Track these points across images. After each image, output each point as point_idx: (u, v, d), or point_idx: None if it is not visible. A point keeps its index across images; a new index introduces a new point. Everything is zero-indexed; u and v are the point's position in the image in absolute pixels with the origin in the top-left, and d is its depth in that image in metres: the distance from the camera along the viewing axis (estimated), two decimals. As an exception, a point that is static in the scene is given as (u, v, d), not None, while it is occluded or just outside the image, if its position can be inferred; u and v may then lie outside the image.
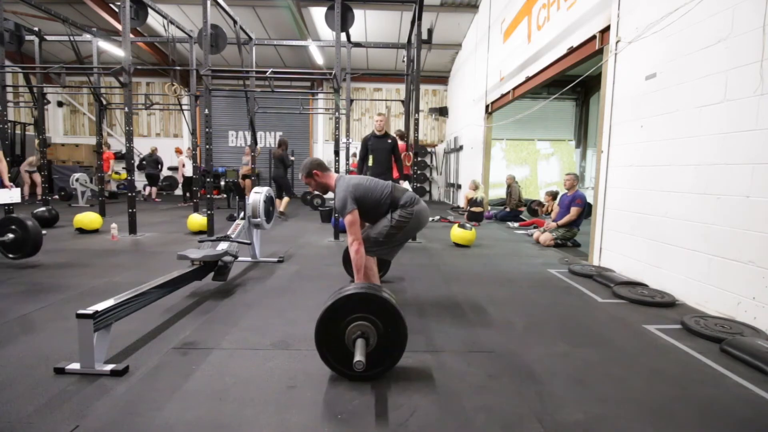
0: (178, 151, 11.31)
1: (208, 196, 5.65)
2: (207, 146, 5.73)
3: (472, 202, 7.99)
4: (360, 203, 2.62)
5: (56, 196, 11.10)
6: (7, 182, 4.94)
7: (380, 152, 5.70)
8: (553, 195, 7.46)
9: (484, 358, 2.26)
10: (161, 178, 12.13)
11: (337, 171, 6.51)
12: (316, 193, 5.79)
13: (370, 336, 1.93)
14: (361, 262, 2.56)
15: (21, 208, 7.19)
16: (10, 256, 3.96)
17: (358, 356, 1.78)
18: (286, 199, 8.10)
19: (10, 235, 3.92)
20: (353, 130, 11.95)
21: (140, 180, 13.46)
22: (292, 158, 8.44)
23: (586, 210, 5.76)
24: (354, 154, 7.92)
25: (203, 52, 5.43)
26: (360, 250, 2.55)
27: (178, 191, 12.66)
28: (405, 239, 2.84)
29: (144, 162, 11.56)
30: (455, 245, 5.66)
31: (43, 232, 4.20)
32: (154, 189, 11.53)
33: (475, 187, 8.15)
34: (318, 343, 1.97)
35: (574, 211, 5.73)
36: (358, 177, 2.83)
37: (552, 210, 6.75)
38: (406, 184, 5.91)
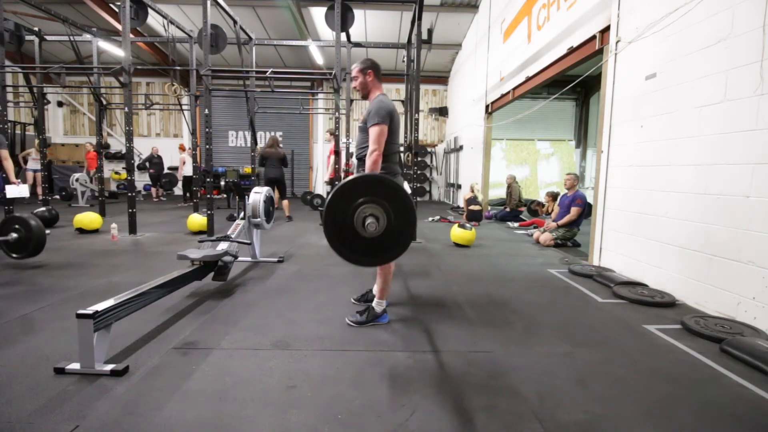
0: (182, 148, 11.31)
1: (208, 196, 5.65)
2: (207, 146, 5.73)
3: (470, 200, 8.00)
4: (389, 124, 2.56)
5: (57, 196, 11.09)
6: (13, 179, 4.96)
7: None
8: (554, 196, 7.47)
9: (484, 358, 2.26)
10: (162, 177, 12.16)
11: (337, 170, 6.56)
12: (317, 193, 5.78)
13: (379, 217, 1.91)
14: (376, 168, 2.50)
15: (21, 208, 7.19)
16: (14, 255, 3.96)
17: (370, 220, 1.78)
18: (286, 201, 7.98)
19: (14, 235, 3.93)
20: (353, 130, 11.94)
21: (141, 180, 13.52)
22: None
23: (586, 210, 5.76)
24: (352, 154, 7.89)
25: (203, 52, 5.43)
26: (379, 161, 2.49)
27: (178, 191, 12.65)
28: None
29: (154, 162, 11.58)
30: (455, 245, 5.66)
31: (47, 231, 4.21)
32: (160, 189, 11.63)
33: (471, 190, 8.24)
34: (327, 230, 1.94)
35: (574, 211, 5.73)
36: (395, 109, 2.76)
37: (552, 210, 6.75)
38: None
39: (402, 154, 5.93)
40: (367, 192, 1.93)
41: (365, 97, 2.81)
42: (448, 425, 1.65)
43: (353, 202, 1.92)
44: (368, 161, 2.49)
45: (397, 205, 1.94)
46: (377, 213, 1.92)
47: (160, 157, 11.67)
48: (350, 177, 1.99)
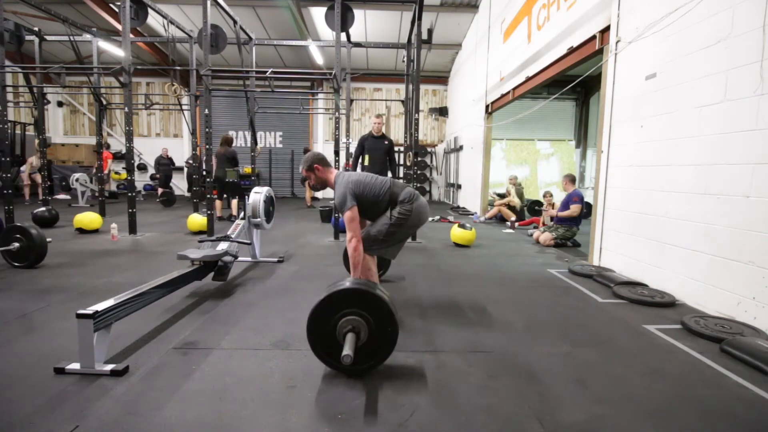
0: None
1: (208, 196, 5.65)
2: (207, 146, 5.73)
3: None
4: (359, 199, 2.60)
5: (67, 196, 11.07)
6: None
7: (377, 152, 5.74)
8: (550, 195, 7.49)
9: (484, 358, 2.26)
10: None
11: (336, 170, 6.54)
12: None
13: (361, 331, 1.94)
14: (358, 259, 2.55)
15: (22, 208, 7.19)
16: (16, 264, 3.97)
17: (347, 350, 1.79)
18: (234, 201, 7.81)
19: (16, 244, 3.94)
20: (353, 130, 11.93)
21: (141, 180, 13.53)
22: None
23: (586, 210, 5.76)
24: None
25: (203, 52, 5.42)
26: (358, 247, 2.53)
27: (178, 191, 12.67)
28: (406, 236, 2.82)
29: (163, 164, 11.56)
30: (455, 245, 5.66)
31: (48, 239, 4.21)
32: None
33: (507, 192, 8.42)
34: (309, 335, 1.98)
35: (573, 207, 5.74)
36: (358, 173, 2.81)
37: (553, 208, 6.78)
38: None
39: (402, 154, 5.93)
40: (351, 305, 1.95)
41: (323, 187, 2.88)
42: (448, 425, 1.65)
43: (335, 314, 1.95)
44: (349, 249, 2.56)
45: (380, 321, 1.96)
46: (358, 326, 1.94)
47: (170, 159, 11.71)
48: (335, 287, 1.99)
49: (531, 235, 6.43)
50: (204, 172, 5.88)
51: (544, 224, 6.39)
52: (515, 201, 8.28)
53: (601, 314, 3.03)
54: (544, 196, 7.41)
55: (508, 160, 12.90)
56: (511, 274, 4.18)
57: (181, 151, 13.75)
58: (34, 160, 9.85)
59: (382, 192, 2.68)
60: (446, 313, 2.98)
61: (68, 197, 11.10)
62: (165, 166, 11.52)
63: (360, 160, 6.10)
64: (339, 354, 1.80)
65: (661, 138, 3.56)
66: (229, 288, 3.48)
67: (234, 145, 13.86)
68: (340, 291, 1.98)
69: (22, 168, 10.34)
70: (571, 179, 6.10)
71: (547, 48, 6.01)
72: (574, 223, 5.82)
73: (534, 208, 9.94)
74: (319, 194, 12.69)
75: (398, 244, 2.81)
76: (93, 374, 1.95)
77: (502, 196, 7.59)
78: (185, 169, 12.97)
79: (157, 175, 11.60)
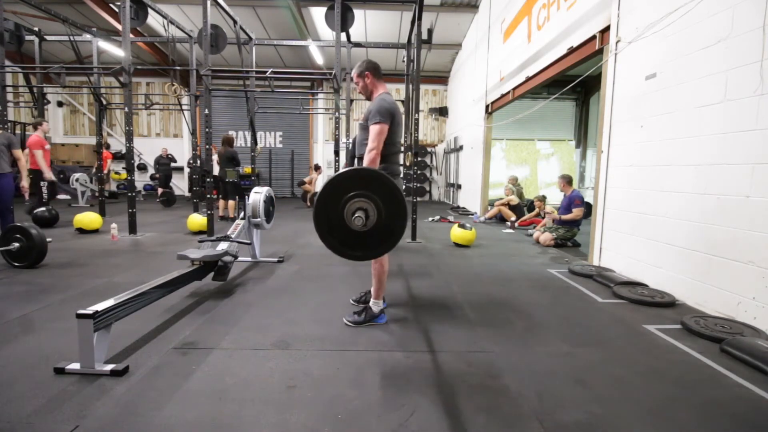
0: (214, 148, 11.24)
1: (208, 196, 5.65)
2: (207, 146, 5.74)
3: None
4: (390, 124, 2.55)
5: (68, 196, 11.07)
6: (25, 182, 4.96)
7: None
8: (542, 199, 7.49)
9: (484, 358, 2.26)
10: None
11: (336, 170, 6.55)
12: (315, 191, 5.80)
13: (369, 211, 1.90)
14: (375, 165, 2.48)
15: (22, 207, 7.19)
16: (16, 264, 3.98)
17: (357, 213, 1.77)
18: (232, 202, 7.81)
19: (16, 244, 3.94)
20: (353, 130, 11.94)
21: (141, 180, 13.53)
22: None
23: (586, 209, 5.76)
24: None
25: (203, 52, 5.43)
26: (376, 160, 2.48)
27: (178, 191, 12.67)
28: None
29: (163, 163, 11.55)
30: (455, 245, 5.66)
31: (48, 239, 4.22)
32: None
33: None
34: (318, 227, 1.94)
35: (576, 211, 5.73)
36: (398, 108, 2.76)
37: (544, 213, 6.77)
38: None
39: (402, 154, 5.93)
40: (358, 186, 1.92)
41: (369, 98, 2.79)
42: (448, 425, 1.65)
43: (344, 195, 1.91)
44: (366, 159, 2.49)
45: (388, 200, 1.92)
46: (367, 207, 1.91)
47: (169, 158, 11.69)
48: (342, 170, 1.98)
49: (531, 235, 6.43)
50: (204, 172, 5.88)
51: (544, 225, 6.37)
52: (515, 200, 8.28)
53: (601, 314, 3.03)
54: (536, 201, 7.40)
55: (508, 160, 12.90)
56: (511, 274, 4.18)
57: (181, 151, 13.74)
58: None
59: (396, 145, 2.67)
60: (446, 313, 2.98)
61: (68, 197, 11.10)
62: (165, 165, 11.51)
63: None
64: (350, 242, 1.76)
65: (661, 138, 3.56)
66: (229, 288, 3.48)
67: (234, 145, 14.09)
68: (344, 174, 1.94)
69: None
70: (568, 180, 6.06)
71: (547, 48, 6.01)
72: (575, 224, 5.81)
73: (536, 205, 9.95)
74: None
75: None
76: (93, 374, 1.95)
77: (520, 195, 7.57)
78: (185, 170, 12.97)
79: (157, 175, 11.58)
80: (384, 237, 1.96)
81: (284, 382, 1.95)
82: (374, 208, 1.91)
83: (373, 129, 2.49)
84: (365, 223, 1.82)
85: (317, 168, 11.20)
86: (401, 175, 2.78)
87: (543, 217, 6.23)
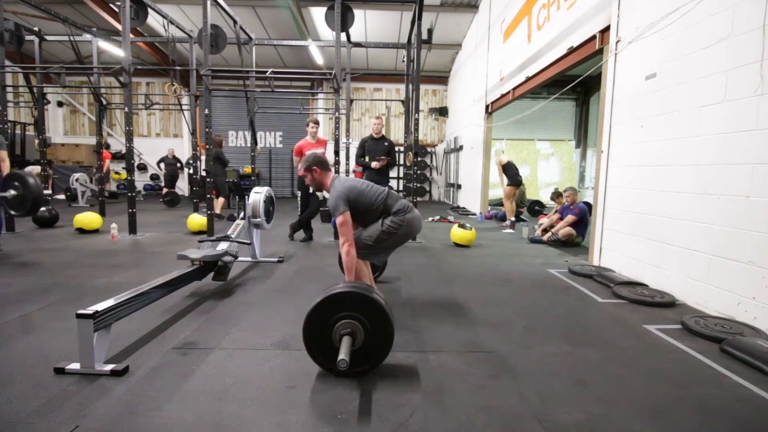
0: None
1: (208, 196, 5.65)
2: (207, 146, 5.74)
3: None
4: (353, 205, 2.63)
5: (62, 196, 11.06)
6: None
7: (377, 154, 5.75)
8: (558, 194, 7.37)
9: (484, 358, 2.26)
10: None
11: (337, 172, 6.56)
12: (318, 194, 5.80)
13: (356, 334, 1.94)
14: (351, 264, 2.57)
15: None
16: (13, 212, 3.96)
17: (342, 354, 1.79)
18: (221, 200, 7.85)
19: (12, 192, 3.91)
20: (353, 130, 11.94)
21: (141, 180, 13.54)
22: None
23: (585, 221, 5.71)
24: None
25: (203, 52, 5.43)
26: (351, 251, 2.56)
27: (181, 192, 12.66)
28: (394, 245, 2.85)
29: (168, 164, 11.56)
30: (455, 245, 5.66)
31: (48, 191, 4.22)
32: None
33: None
34: (306, 340, 1.98)
35: (569, 218, 5.72)
36: (354, 179, 2.86)
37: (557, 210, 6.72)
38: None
39: (402, 154, 5.92)
40: (347, 308, 1.96)
41: (319, 189, 2.92)
42: (448, 425, 1.65)
43: (331, 317, 1.95)
44: (342, 253, 2.58)
45: (376, 324, 1.96)
46: (354, 329, 1.94)
47: (176, 158, 11.71)
48: (332, 290, 2.00)
49: (535, 228, 6.43)
50: (204, 172, 5.88)
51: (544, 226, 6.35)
52: (504, 159, 8.13)
53: (601, 314, 3.03)
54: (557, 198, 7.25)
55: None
56: (511, 274, 4.18)
57: (181, 152, 13.74)
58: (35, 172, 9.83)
59: (376, 201, 2.72)
60: (446, 313, 2.98)
61: (63, 197, 11.08)
62: (171, 166, 11.52)
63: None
64: (335, 357, 1.81)
65: (661, 138, 3.56)
66: (229, 288, 3.48)
67: (234, 145, 14.13)
68: (335, 295, 1.98)
69: (28, 169, 10.33)
70: (574, 191, 6.08)
71: (547, 48, 6.01)
72: (576, 230, 5.75)
73: (534, 208, 9.96)
74: (320, 194, 12.68)
75: (386, 251, 2.87)
76: (93, 374, 1.95)
77: (558, 195, 7.35)
78: (187, 170, 12.98)
79: (158, 175, 11.59)
80: (368, 357, 2.00)
81: (284, 382, 1.95)
82: (362, 330, 1.95)
83: (337, 224, 2.60)
84: (350, 350, 1.84)
85: None
86: (410, 206, 2.80)
87: (561, 216, 6.09)
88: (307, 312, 1.97)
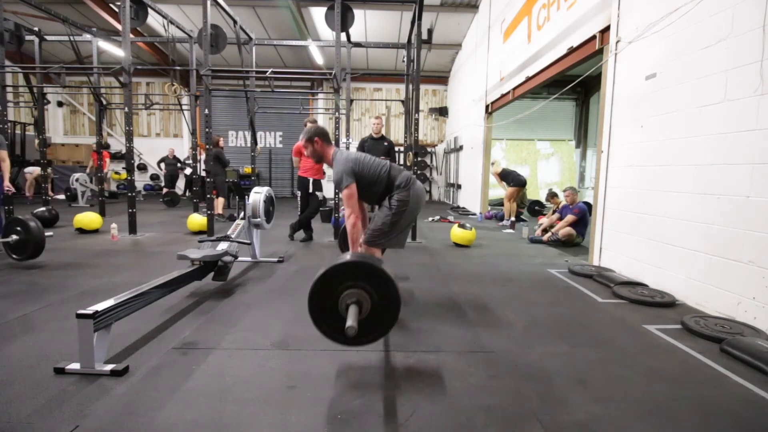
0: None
1: (208, 196, 5.65)
2: (207, 146, 5.74)
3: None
4: (358, 178, 2.61)
5: (62, 196, 11.07)
6: (7, 183, 4.92)
7: (376, 154, 5.74)
8: (554, 194, 7.41)
9: (484, 358, 2.26)
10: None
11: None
12: (318, 193, 5.80)
13: (363, 303, 1.92)
14: (357, 236, 2.56)
15: (22, 208, 7.19)
16: (14, 257, 3.99)
17: (350, 321, 1.77)
18: (221, 200, 7.79)
19: (15, 237, 3.96)
20: (353, 130, 11.94)
21: (140, 180, 13.53)
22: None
23: (585, 219, 5.70)
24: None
25: (203, 52, 5.43)
26: (357, 223, 2.54)
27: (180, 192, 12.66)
28: (409, 222, 2.81)
29: (168, 164, 11.56)
30: (455, 245, 5.66)
31: (49, 233, 4.25)
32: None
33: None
34: (312, 311, 1.95)
35: (568, 218, 5.72)
36: (356, 153, 2.81)
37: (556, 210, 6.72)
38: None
39: (402, 154, 5.92)
40: (352, 277, 1.94)
41: (320, 162, 2.88)
42: (448, 425, 1.65)
43: (338, 286, 1.93)
44: (347, 225, 2.58)
45: (382, 293, 1.94)
46: (361, 298, 1.92)
47: (176, 158, 11.71)
48: (336, 261, 1.98)
49: (534, 228, 6.41)
50: (205, 172, 5.88)
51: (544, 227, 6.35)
52: (498, 167, 8.20)
53: (601, 314, 3.03)
54: (552, 199, 7.27)
55: (508, 160, 12.90)
56: (511, 274, 4.18)
57: (181, 152, 13.75)
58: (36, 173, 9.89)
59: (380, 174, 2.69)
60: (446, 313, 2.98)
61: (63, 197, 11.09)
62: (171, 166, 11.53)
63: None
64: (342, 328, 1.79)
65: (661, 138, 3.56)
66: (229, 288, 3.48)
67: (234, 145, 14.13)
68: (340, 265, 1.95)
69: (28, 169, 10.36)
70: (574, 191, 6.08)
71: (547, 48, 6.01)
72: (575, 230, 5.76)
73: (534, 208, 9.96)
74: (319, 194, 12.69)
75: (404, 231, 2.80)
76: (93, 374, 1.95)
77: (553, 195, 7.32)
78: (187, 170, 13.00)
79: (158, 175, 11.60)
80: (375, 326, 1.97)
81: (284, 382, 1.95)
82: (368, 299, 1.93)
83: (343, 197, 2.60)
84: (358, 318, 1.82)
85: None
86: (414, 178, 2.78)
87: (561, 216, 6.07)
88: (313, 282, 1.93)
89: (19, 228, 3.98)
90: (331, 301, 1.92)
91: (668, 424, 1.70)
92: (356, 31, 10.24)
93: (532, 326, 2.76)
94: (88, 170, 10.92)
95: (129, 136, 5.70)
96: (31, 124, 10.36)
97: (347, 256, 2.03)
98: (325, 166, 5.86)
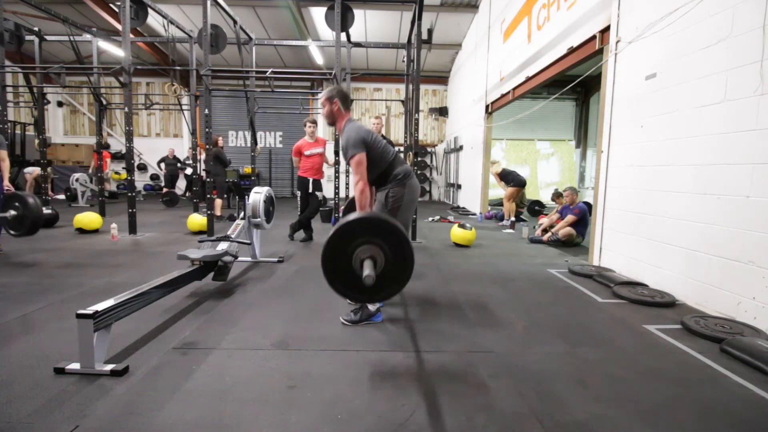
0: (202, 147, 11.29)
1: (208, 196, 5.65)
2: (207, 146, 5.74)
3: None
4: (367, 150, 2.58)
5: (62, 196, 11.07)
6: (6, 182, 4.92)
7: None
8: (559, 194, 7.37)
9: (484, 358, 2.26)
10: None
11: (337, 172, 6.57)
12: (318, 193, 5.80)
13: (376, 258, 1.91)
14: (365, 202, 2.53)
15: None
16: (12, 232, 3.98)
17: (368, 271, 1.77)
18: (219, 201, 7.73)
19: (12, 212, 3.94)
20: (353, 130, 11.91)
21: (140, 180, 13.53)
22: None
23: (585, 219, 5.70)
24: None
25: (203, 52, 5.43)
26: (365, 190, 2.52)
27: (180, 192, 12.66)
28: (408, 214, 2.77)
29: (168, 164, 11.56)
30: (455, 245, 5.66)
31: (48, 209, 4.24)
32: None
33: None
34: (326, 270, 1.94)
35: (568, 218, 5.72)
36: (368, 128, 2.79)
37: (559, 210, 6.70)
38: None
39: (402, 154, 5.91)
40: (365, 233, 1.93)
41: (332, 124, 2.83)
42: (448, 425, 1.65)
43: (351, 243, 1.93)
44: (355, 192, 2.55)
45: (395, 247, 1.93)
46: (375, 254, 1.92)
47: (176, 158, 11.71)
48: (347, 218, 1.98)
49: (535, 228, 6.40)
50: (205, 172, 5.88)
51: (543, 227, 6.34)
52: (498, 167, 8.23)
53: (601, 314, 3.03)
54: (557, 199, 7.23)
55: (508, 160, 12.91)
56: (511, 274, 4.18)
57: (181, 152, 13.75)
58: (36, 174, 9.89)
59: (388, 156, 2.69)
60: (446, 312, 2.98)
61: (63, 197, 11.09)
62: (171, 166, 11.53)
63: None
64: (357, 286, 1.78)
65: (661, 138, 3.56)
66: (229, 288, 3.48)
67: (234, 145, 14.13)
68: (350, 222, 1.94)
69: (28, 170, 10.35)
70: (574, 191, 6.07)
71: (547, 48, 6.01)
72: (575, 230, 5.75)
73: (534, 208, 9.96)
74: (319, 194, 12.69)
75: (404, 225, 2.79)
76: (93, 374, 1.95)
77: (558, 195, 7.28)
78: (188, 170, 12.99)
79: (158, 175, 11.59)
80: (390, 281, 1.96)
81: (284, 382, 1.95)
82: (382, 254, 1.92)
83: (353, 162, 2.56)
84: (374, 280, 1.81)
85: None
86: (413, 172, 2.79)
87: (561, 216, 6.05)
88: (325, 242, 1.93)
89: (17, 203, 3.95)
90: (345, 258, 1.91)
91: (668, 424, 1.70)
92: (356, 31, 10.24)
93: (532, 326, 2.76)
94: (90, 170, 10.91)
95: (129, 136, 5.70)
96: (31, 124, 10.35)
97: (359, 214, 2.01)
98: (324, 167, 5.96)
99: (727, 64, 2.89)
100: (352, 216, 1.98)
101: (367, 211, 2.17)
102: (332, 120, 2.78)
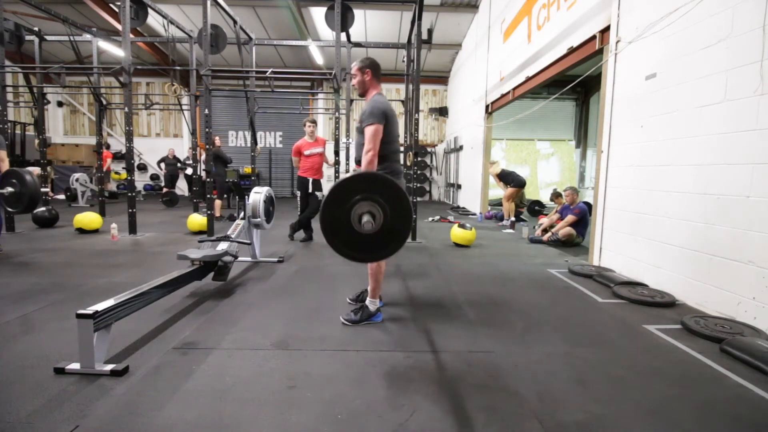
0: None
1: (208, 196, 5.66)
2: (207, 146, 5.74)
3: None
4: (386, 124, 2.59)
5: (62, 196, 11.07)
6: None
7: None
8: (558, 194, 7.36)
9: (484, 358, 2.26)
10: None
11: (337, 172, 6.57)
12: (318, 193, 5.80)
13: (375, 215, 1.91)
14: (371, 168, 2.52)
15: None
16: (9, 210, 3.96)
17: (366, 218, 1.78)
18: (219, 201, 7.71)
19: (10, 189, 3.90)
20: (353, 131, 11.94)
21: (141, 180, 13.54)
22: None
23: (585, 219, 5.70)
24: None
25: (203, 52, 5.43)
26: (374, 161, 2.52)
27: (180, 192, 12.65)
28: None
29: (168, 164, 11.56)
30: (455, 245, 5.66)
31: (46, 189, 4.21)
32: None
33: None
34: (325, 229, 1.93)
35: (568, 218, 5.71)
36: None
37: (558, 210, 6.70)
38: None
39: (402, 154, 5.92)
40: (363, 189, 1.92)
41: (362, 95, 2.84)
42: (448, 425, 1.65)
43: (350, 199, 1.92)
44: (364, 161, 2.52)
45: (393, 202, 1.93)
46: (374, 210, 1.92)
47: (176, 158, 11.71)
48: (347, 174, 2.00)
49: (535, 228, 6.40)
50: (204, 172, 5.88)
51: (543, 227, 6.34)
52: (497, 168, 8.25)
53: (601, 314, 3.03)
54: (556, 199, 7.22)
55: (508, 160, 12.91)
56: (511, 274, 4.18)
57: (181, 152, 13.75)
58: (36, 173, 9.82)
59: (395, 145, 2.70)
60: (446, 312, 2.98)
61: (63, 197, 11.09)
62: (171, 166, 11.52)
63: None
64: (357, 244, 1.77)
65: (661, 138, 3.56)
66: (229, 288, 3.48)
67: (234, 145, 14.14)
68: (347, 179, 1.94)
69: (28, 169, 10.33)
70: (574, 191, 6.07)
71: (547, 48, 6.01)
72: (575, 230, 5.75)
73: (534, 208, 9.96)
74: (319, 194, 12.70)
75: None
76: (93, 374, 1.95)
77: (558, 195, 7.27)
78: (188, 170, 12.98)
79: (158, 175, 11.58)
80: (388, 240, 1.96)
81: (284, 382, 1.95)
82: (380, 211, 1.92)
83: (368, 131, 2.53)
84: (373, 226, 1.82)
85: None
86: (403, 174, 2.81)
87: (561, 216, 6.04)
88: (323, 201, 1.93)
89: (14, 180, 3.91)
90: (343, 213, 1.91)
91: (668, 424, 1.70)
92: (356, 31, 10.24)
93: (532, 326, 2.76)
94: (94, 170, 10.87)
95: (129, 136, 5.70)
96: (31, 124, 10.35)
97: (356, 171, 2.02)
98: (324, 167, 5.96)
99: (727, 64, 2.89)
100: (352, 173, 1.99)
101: (365, 170, 2.17)
102: (363, 90, 2.80)
